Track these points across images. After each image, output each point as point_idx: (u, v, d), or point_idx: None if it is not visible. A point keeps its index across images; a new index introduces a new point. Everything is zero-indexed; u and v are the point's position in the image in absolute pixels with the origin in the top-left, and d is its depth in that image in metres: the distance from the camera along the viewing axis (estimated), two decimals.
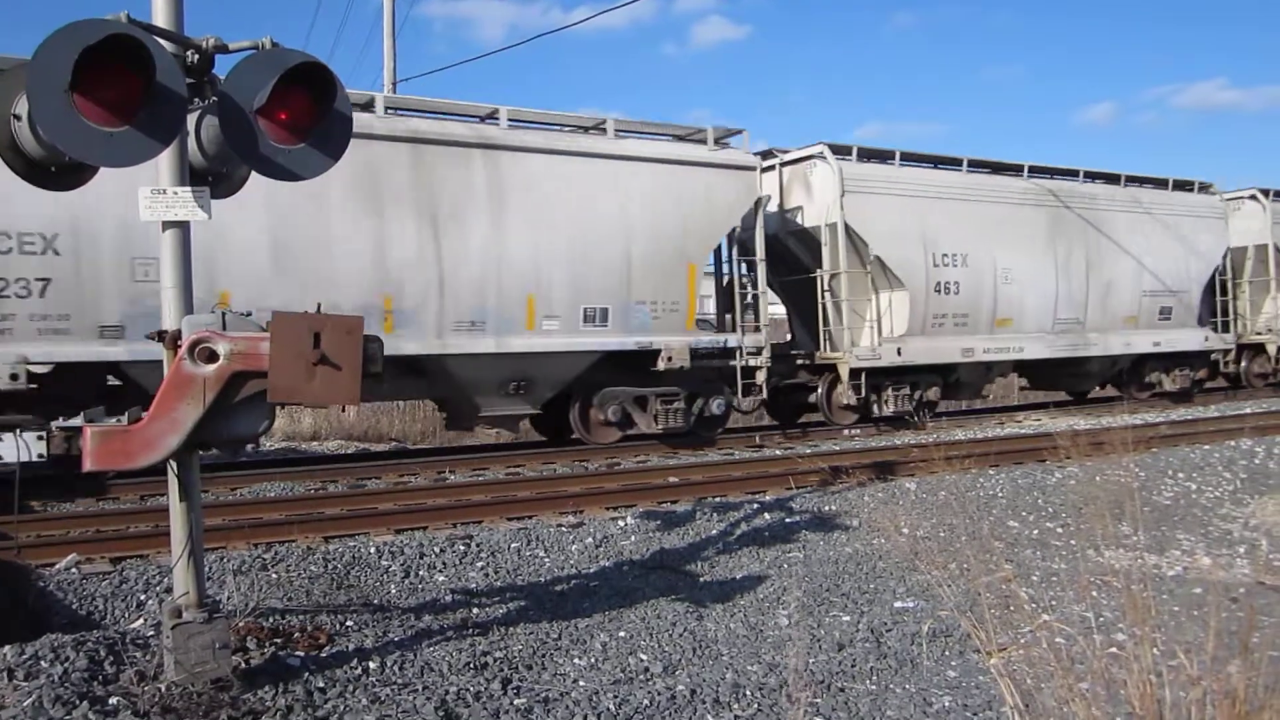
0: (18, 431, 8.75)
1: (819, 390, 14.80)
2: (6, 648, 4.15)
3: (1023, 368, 17.22)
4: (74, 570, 6.25)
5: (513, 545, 7.07)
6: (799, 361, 14.95)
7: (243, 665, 4.26)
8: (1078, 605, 5.06)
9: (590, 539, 7.30)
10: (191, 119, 3.99)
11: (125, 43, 3.46)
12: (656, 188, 12.63)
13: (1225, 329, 19.32)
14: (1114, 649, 3.50)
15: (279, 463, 12.17)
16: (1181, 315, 18.30)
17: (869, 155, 15.08)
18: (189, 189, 4.01)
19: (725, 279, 14.63)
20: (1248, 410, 16.13)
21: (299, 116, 3.97)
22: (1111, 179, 17.86)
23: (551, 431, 14.09)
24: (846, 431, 14.83)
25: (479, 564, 6.71)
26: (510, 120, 11.99)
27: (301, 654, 4.55)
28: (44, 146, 3.82)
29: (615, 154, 12.48)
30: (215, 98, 3.92)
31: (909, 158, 15.54)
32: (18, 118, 3.85)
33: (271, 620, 5.06)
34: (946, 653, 5.08)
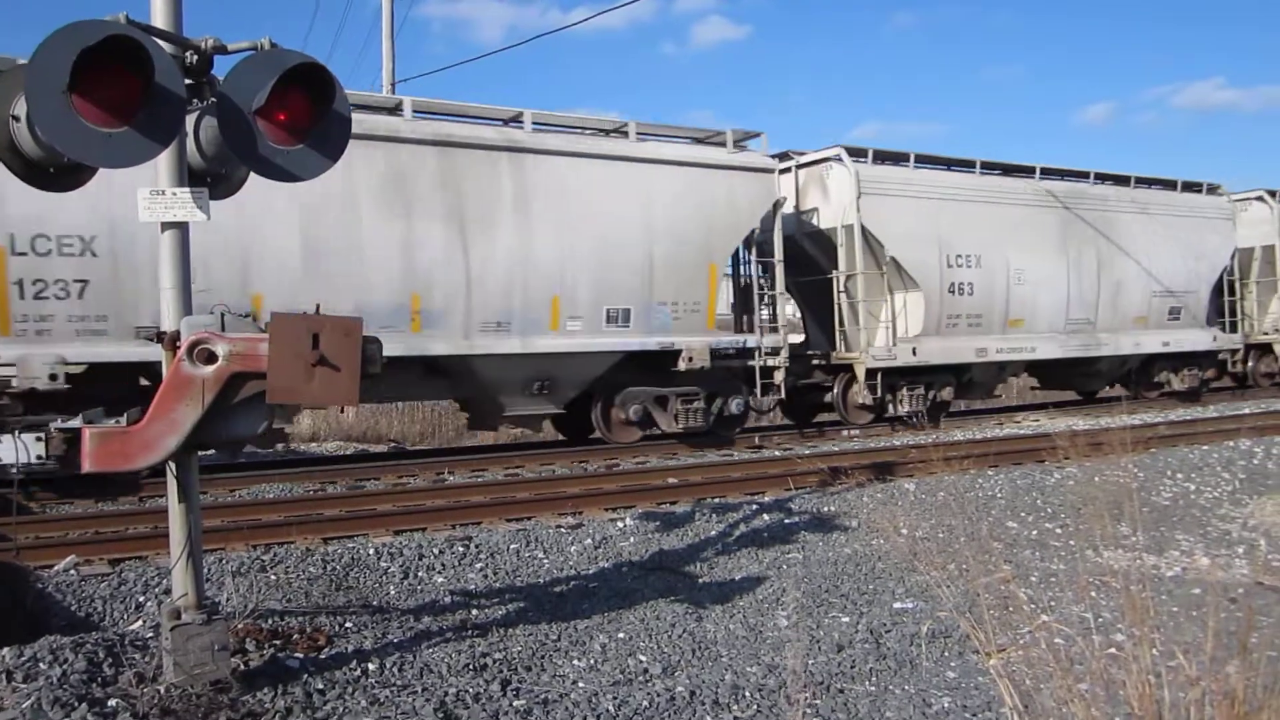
0: (16, 433, 8.75)
1: (835, 390, 14.95)
2: (5, 650, 4.14)
3: (1034, 368, 17.41)
4: (73, 572, 6.23)
5: (512, 546, 7.07)
6: (814, 362, 15.09)
7: (242, 667, 4.26)
8: (1076, 606, 5.06)
9: (589, 540, 7.30)
10: (190, 120, 3.99)
11: (124, 44, 3.46)
12: (678, 190, 12.76)
13: (1233, 329, 19.45)
14: (1113, 649, 3.50)
15: (278, 464, 12.17)
16: (1190, 315, 18.42)
17: (884, 157, 15.21)
18: (188, 190, 4.01)
19: (743, 280, 14.78)
20: (1246, 411, 16.16)
21: (298, 117, 3.97)
22: (1121, 180, 18.03)
23: (572, 431, 14.20)
24: (845, 432, 14.88)
25: (478, 565, 6.70)
26: (535, 123, 12.11)
27: (300, 655, 4.55)
28: (42, 147, 3.81)
29: (638, 157, 12.64)
30: (214, 99, 3.92)
31: (923, 160, 15.70)
32: (16, 119, 3.84)
33: (270, 622, 5.06)
34: (946, 654, 5.08)
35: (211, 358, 3.75)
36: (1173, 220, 18.05)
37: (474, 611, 5.70)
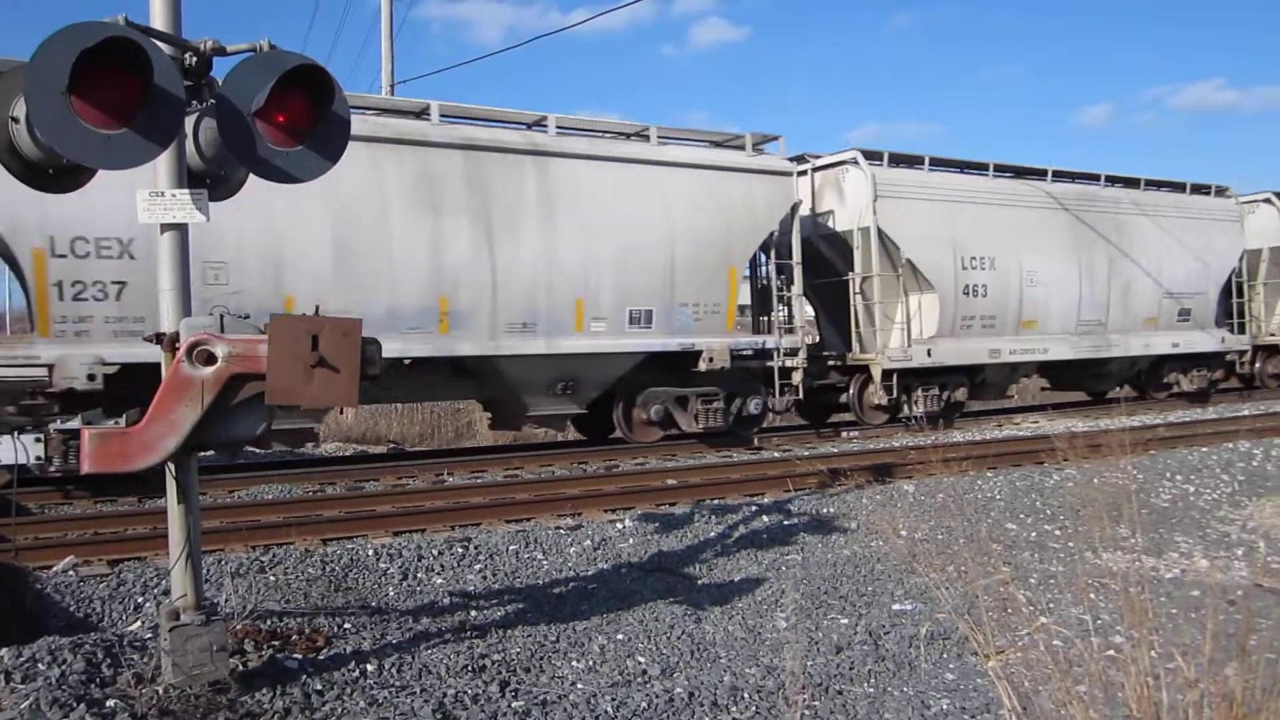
0: (15, 434, 8.75)
1: (850, 391, 15.07)
2: (4, 650, 4.14)
3: (1046, 368, 17.54)
4: (72, 572, 6.23)
5: (511, 547, 7.07)
6: (830, 363, 15.22)
7: (240, 668, 4.26)
8: (1075, 608, 5.06)
9: (588, 541, 7.30)
10: (189, 121, 3.99)
11: (123, 45, 3.46)
12: (699, 192, 12.88)
13: (1241, 330, 19.55)
14: (1112, 651, 3.50)
15: (277, 465, 12.18)
16: (1199, 317, 18.52)
17: (899, 160, 15.31)
18: (187, 191, 4.01)
19: (761, 282, 14.88)
20: (1245, 412, 16.17)
21: (297, 119, 3.97)
22: (1131, 183, 18.18)
23: (592, 431, 14.29)
24: (845, 434, 14.92)
25: (477, 566, 6.70)
26: (558, 127, 12.23)
27: (299, 656, 4.55)
28: (41, 149, 3.81)
29: (659, 160, 12.76)
30: (213, 100, 3.92)
31: (937, 163, 15.83)
32: (15, 120, 3.84)
33: (269, 623, 5.06)
34: (944, 655, 5.08)
35: (211, 359, 3.76)
36: (1182, 222, 18.16)
37: (473, 613, 5.70)
